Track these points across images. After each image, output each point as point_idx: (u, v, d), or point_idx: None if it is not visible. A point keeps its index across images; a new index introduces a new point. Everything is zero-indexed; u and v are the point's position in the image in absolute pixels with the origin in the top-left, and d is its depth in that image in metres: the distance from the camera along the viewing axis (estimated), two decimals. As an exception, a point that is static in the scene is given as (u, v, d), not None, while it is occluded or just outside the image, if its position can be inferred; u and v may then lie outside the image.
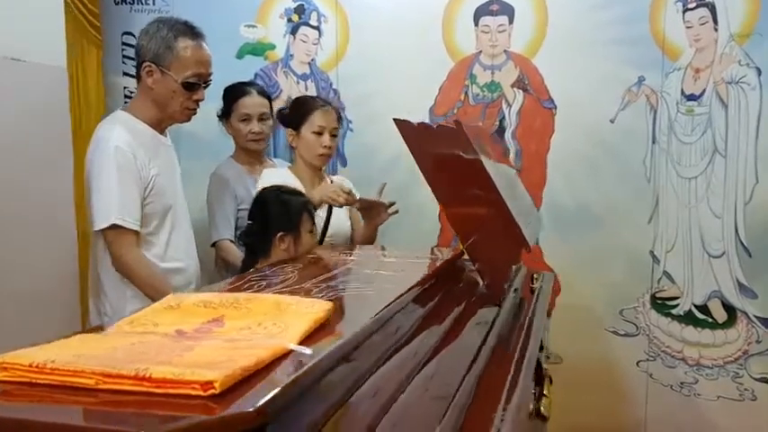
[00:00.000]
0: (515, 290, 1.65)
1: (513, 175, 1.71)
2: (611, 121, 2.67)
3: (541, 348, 1.61)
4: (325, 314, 0.78)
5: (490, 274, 1.37)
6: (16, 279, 1.69)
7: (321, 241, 2.14)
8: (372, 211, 2.26)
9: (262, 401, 0.54)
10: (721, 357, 2.56)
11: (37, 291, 1.73)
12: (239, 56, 2.80)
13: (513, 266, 1.83)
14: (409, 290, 1.06)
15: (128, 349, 0.64)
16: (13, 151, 1.56)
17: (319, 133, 2.27)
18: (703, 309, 2.60)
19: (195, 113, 1.94)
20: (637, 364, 2.73)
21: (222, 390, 0.55)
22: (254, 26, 2.80)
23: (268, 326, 0.74)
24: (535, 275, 1.78)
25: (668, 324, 2.65)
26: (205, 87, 1.93)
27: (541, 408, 1.57)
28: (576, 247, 2.79)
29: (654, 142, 2.61)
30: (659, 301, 2.67)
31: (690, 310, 2.62)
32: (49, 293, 1.84)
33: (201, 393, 0.54)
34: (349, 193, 2.10)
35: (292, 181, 2.21)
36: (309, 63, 2.86)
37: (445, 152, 1.41)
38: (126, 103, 2.47)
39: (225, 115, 2.39)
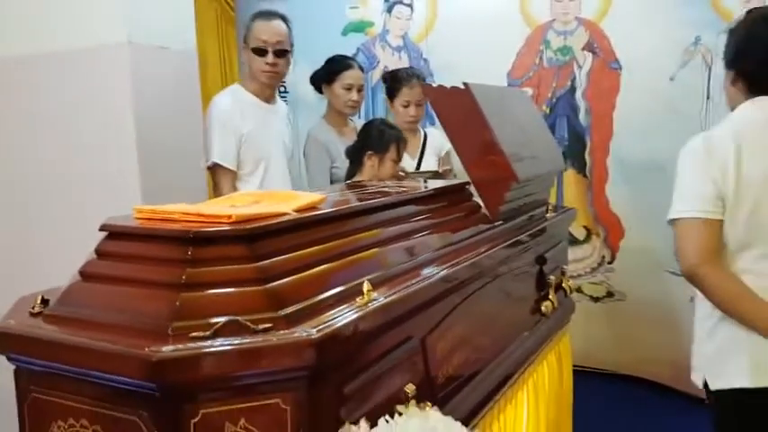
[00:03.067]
0: (530, 216, 2.06)
1: (529, 123, 2.10)
2: (671, 79, 2.92)
3: (545, 262, 2.03)
4: (318, 200, 1.31)
5: (487, 198, 1.81)
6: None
7: None
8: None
9: (249, 226, 1.07)
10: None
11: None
12: (344, 33, 3.37)
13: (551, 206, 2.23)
14: (398, 194, 1.56)
15: (203, 207, 1.20)
16: (162, 126, 2.08)
17: (406, 106, 2.81)
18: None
19: (275, 76, 2.46)
20: (691, 300, 2.98)
21: (236, 220, 1.09)
22: (356, 7, 3.34)
23: (282, 203, 1.27)
24: (549, 207, 2.17)
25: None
26: (279, 56, 2.43)
27: (542, 307, 2.00)
28: (639, 195, 3.08)
29: (708, 98, 2.83)
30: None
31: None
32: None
33: (226, 221, 1.09)
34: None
35: None
36: (403, 36, 3.36)
37: (460, 109, 1.85)
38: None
39: (327, 81, 2.79)
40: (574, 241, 3.20)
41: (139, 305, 1.00)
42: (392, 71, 2.99)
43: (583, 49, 3.13)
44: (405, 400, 1.13)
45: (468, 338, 1.49)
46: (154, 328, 0.96)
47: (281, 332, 0.96)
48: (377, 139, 2.44)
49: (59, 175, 2.08)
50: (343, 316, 1.04)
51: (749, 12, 1.81)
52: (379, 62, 3.38)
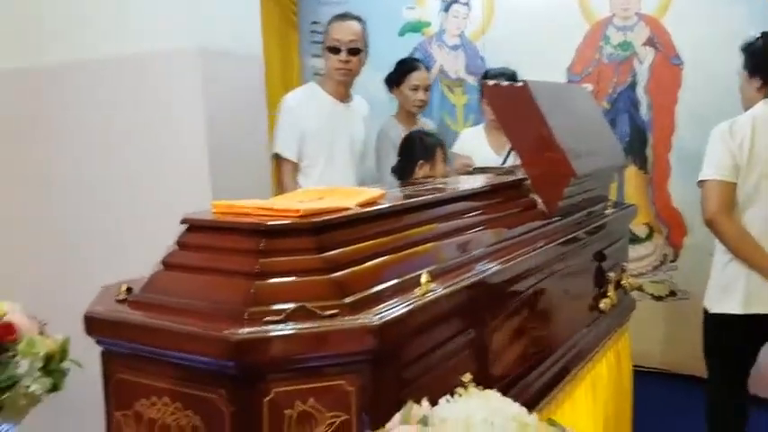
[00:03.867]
0: (589, 212, 2.07)
1: (589, 118, 2.11)
2: (737, 74, 2.85)
3: (604, 258, 2.03)
4: (378, 196, 1.37)
5: (544, 193, 1.83)
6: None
7: None
8: None
9: (316, 219, 1.14)
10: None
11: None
12: (401, 33, 3.42)
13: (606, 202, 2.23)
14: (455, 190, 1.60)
15: (275, 202, 1.28)
16: (230, 129, 2.17)
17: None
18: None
19: (348, 73, 2.56)
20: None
21: (304, 214, 1.15)
22: (413, 8, 3.39)
23: (346, 198, 1.33)
24: (609, 203, 2.17)
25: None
26: (352, 54, 2.53)
27: (600, 304, 2.00)
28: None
29: (773, 92, 2.76)
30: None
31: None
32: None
33: (295, 214, 1.16)
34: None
35: (482, 135, 2.91)
36: (459, 35, 3.39)
37: (517, 106, 1.88)
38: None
39: (396, 83, 2.96)
40: (635, 239, 3.16)
41: (217, 292, 1.08)
42: (486, 71, 3.05)
43: (643, 44, 3.09)
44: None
45: (526, 332, 1.52)
46: (230, 313, 1.03)
47: (347, 318, 1.02)
48: (422, 149, 2.53)
49: (137, 174, 2.20)
50: (403, 305, 1.10)
51: (764, 33, 2.34)
52: (435, 62, 3.42)
